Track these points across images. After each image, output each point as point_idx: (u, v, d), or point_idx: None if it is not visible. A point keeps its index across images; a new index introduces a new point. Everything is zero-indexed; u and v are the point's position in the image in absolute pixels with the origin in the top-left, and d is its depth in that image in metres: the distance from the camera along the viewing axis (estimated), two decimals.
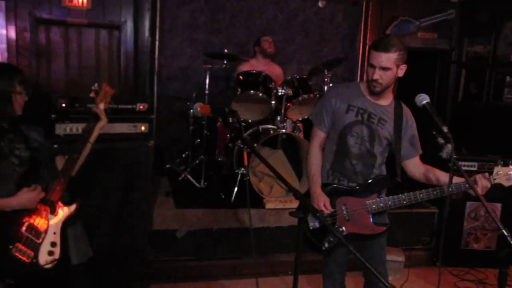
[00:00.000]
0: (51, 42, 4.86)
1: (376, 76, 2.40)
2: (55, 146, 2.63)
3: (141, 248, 3.56)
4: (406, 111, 2.59)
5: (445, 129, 2.13)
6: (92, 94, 2.51)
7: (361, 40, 5.83)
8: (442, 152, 2.17)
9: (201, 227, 3.96)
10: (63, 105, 3.04)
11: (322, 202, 2.52)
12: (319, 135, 2.68)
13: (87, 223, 2.80)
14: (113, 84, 4.93)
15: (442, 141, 2.15)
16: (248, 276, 3.93)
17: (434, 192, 2.41)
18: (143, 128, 3.36)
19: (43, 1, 4.63)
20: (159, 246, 3.85)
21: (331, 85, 4.91)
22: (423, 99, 2.25)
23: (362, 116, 2.55)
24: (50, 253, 2.24)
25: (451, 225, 4.33)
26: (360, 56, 5.86)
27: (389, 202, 2.51)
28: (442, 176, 2.47)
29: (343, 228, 2.53)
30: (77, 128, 3.06)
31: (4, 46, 4.63)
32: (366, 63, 5.54)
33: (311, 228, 2.55)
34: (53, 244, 2.26)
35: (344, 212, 2.55)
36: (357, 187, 2.57)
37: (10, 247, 2.13)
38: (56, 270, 2.28)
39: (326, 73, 4.87)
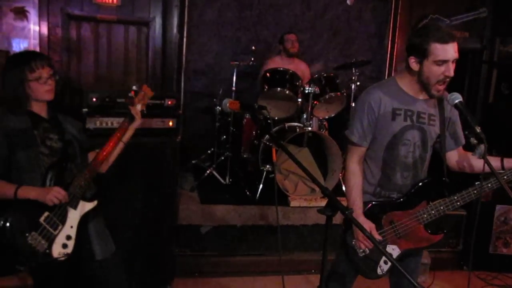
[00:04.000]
0: (81, 38, 4.94)
1: (452, 72, 2.11)
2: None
3: (166, 243, 3.60)
4: (446, 96, 2.28)
5: (478, 129, 2.04)
6: (131, 94, 2.54)
7: (390, 38, 5.74)
8: (475, 153, 2.09)
9: (225, 223, 3.97)
10: (94, 99, 3.09)
11: (363, 239, 2.24)
12: (358, 150, 2.34)
13: (113, 217, 2.84)
14: (141, 80, 5.03)
15: (475, 141, 2.06)
16: (271, 274, 3.93)
17: (489, 185, 2.19)
18: (170, 123, 3.39)
19: None
20: (184, 241, 3.88)
21: (358, 83, 4.85)
22: (456, 98, 2.12)
23: (411, 118, 2.24)
24: (64, 246, 2.24)
25: (480, 229, 4.24)
26: (388, 55, 5.76)
27: (441, 207, 2.26)
28: (493, 161, 2.21)
29: (395, 247, 2.31)
30: (107, 122, 3.12)
31: (36, 42, 4.73)
32: (395, 61, 5.60)
33: (361, 255, 2.30)
34: (68, 237, 2.26)
35: (394, 229, 2.31)
36: (403, 199, 2.32)
37: (27, 234, 2.13)
38: (76, 265, 2.30)
39: (354, 71, 4.82)
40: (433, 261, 4.15)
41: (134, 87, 2.56)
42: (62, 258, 2.22)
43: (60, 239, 2.23)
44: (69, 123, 2.44)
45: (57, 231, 2.22)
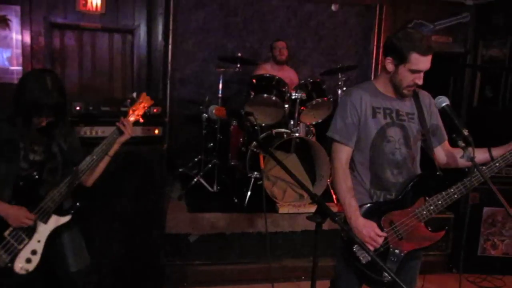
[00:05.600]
0: (65, 46, 4.90)
1: (422, 81, 2.18)
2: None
3: (154, 252, 3.56)
4: (423, 95, 2.36)
5: (465, 132, 2.04)
6: (128, 102, 2.46)
7: (375, 43, 5.78)
8: (463, 156, 2.08)
9: (214, 231, 3.93)
10: (77, 108, 3.04)
11: (370, 233, 2.19)
12: (346, 151, 2.30)
13: (100, 227, 2.81)
14: (126, 88, 4.97)
15: (463, 144, 2.06)
16: (262, 282, 3.89)
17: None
18: (156, 131, 3.35)
19: (57, 6, 4.67)
20: (172, 250, 3.83)
21: (344, 88, 4.87)
22: (443, 101, 2.14)
23: (390, 116, 2.27)
24: (28, 260, 2.18)
25: (468, 231, 4.25)
26: (374, 60, 5.81)
27: (440, 202, 2.22)
28: (481, 153, 2.24)
29: (399, 250, 2.24)
30: (91, 131, 3.07)
31: (19, 51, 4.67)
32: (380, 66, 5.63)
33: (364, 262, 2.23)
34: (33, 252, 2.21)
35: (394, 231, 2.25)
36: (400, 197, 2.27)
37: None
38: (41, 278, 2.25)
39: (340, 76, 4.83)
40: (422, 265, 4.11)
41: (133, 94, 2.48)
42: (24, 272, 2.17)
43: (24, 254, 2.18)
44: (62, 135, 2.32)
45: (21, 245, 2.18)
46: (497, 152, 2.26)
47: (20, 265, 2.16)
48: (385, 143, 2.26)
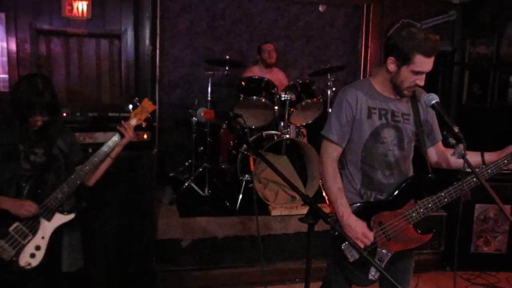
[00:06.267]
0: (51, 52, 4.84)
1: (423, 82, 2.13)
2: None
3: (146, 258, 3.52)
4: (420, 94, 2.29)
5: (456, 128, 2.02)
6: (129, 107, 2.50)
7: (363, 43, 5.79)
8: (454, 153, 2.07)
9: (206, 235, 3.89)
10: (64, 114, 3.00)
11: (360, 232, 2.17)
12: (336, 150, 2.28)
13: (89, 233, 2.76)
14: (114, 93, 4.93)
15: (453, 141, 2.04)
16: (255, 285, 3.86)
17: (474, 180, 2.14)
18: (145, 136, 3.32)
19: (43, 12, 4.61)
20: (164, 256, 3.78)
21: (334, 89, 4.87)
22: (432, 98, 2.12)
23: (386, 117, 2.23)
24: (32, 255, 2.27)
25: (460, 229, 4.23)
26: (362, 60, 5.80)
27: (430, 205, 2.20)
28: (474, 156, 2.23)
29: (386, 250, 2.24)
30: (78, 137, 3.01)
31: (5, 59, 4.60)
32: (369, 66, 5.64)
33: (351, 260, 2.23)
34: (37, 248, 2.29)
35: (383, 231, 2.24)
36: (390, 198, 2.26)
37: None
38: (43, 274, 2.32)
39: (329, 77, 4.83)
40: (416, 264, 4.09)
41: (135, 100, 2.52)
42: (28, 267, 2.26)
43: (28, 249, 2.26)
44: (61, 136, 2.42)
45: (26, 241, 2.26)
46: (490, 157, 2.25)
47: (24, 260, 2.25)
48: (378, 144, 2.23)
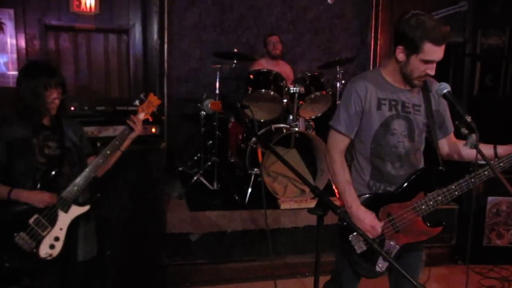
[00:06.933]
0: (60, 48, 4.85)
1: (434, 72, 2.08)
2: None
3: (155, 252, 3.52)
4: (431, 84, 2.23)
5: (468, 118, 1.98)
6: (136, 102, 2.60)
7: (372, 35, 5.73)
8: (466, 143, 2.01)
9: (215, 229, 3.88)
10: (72, 108, 3.00)
11: (371, 222, 2.15)
12: (344, 141, 2.26)
13: (99, 227, 2.76)
14: (122, 88, 4.94)
15: (466, 131, 1.99)
16: (265, 279, 3.85)
17: (486, 173, 2.09)
18: (153, 130, 3.32)
19: (51, 8, 4.62)
20: (173, 250, 3.78)
21: (343, 82, 4.82)
22: (444, 88, 2.07)
23: (396, 108, 2.19)
24: (52, 246, 2.33)
25: (473, 222, 4.20)
26: (372, 52, 5.76)
27: (439, 198, 2.16)
28: (486, 149, 2.17)
29: (394, 242, 2.21)
30: (86, 131, 3.02)
31: (15, 56, 4.63)
32: (378, 58, 5.58)
33: (358, 252, 2.21)
34: (56, 239, 2.35)
35: (392, 223, 2.21)
36: (399, 190, 2.22)
37: (14, 234, 2.25)
38: (60, 264, 2.38)
39: (338, 69, 4.78)
40: (427, 257, 4.05)
41: (141, 95, 2.62)
42: (49, 258, 2.32)
43: (48, 240, 2.32)
44: (71, 129, 2.50)
45: (45, 232, 2.32)
46: (503, 150, 2.20)
47: (44, 251, 2.31)
48: (388, 135, 2.19)
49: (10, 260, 2.25)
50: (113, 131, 3.09)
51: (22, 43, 4.62)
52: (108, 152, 2.47)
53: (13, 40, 4.60)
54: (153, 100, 2.62)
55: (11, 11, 4.57)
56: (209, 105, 1.99)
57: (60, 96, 2.37)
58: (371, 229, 2.16)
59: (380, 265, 2.23)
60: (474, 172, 2.10)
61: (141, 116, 2.57)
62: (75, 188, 2.38)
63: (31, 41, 4.65)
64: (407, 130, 2.21)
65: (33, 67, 2.40)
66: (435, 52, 2.04)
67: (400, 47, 2.12)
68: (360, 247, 2.22)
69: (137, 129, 2.54)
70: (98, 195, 2.54)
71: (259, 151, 2.06)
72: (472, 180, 2.10)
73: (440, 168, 2.22)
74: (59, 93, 2.36)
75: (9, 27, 4.58)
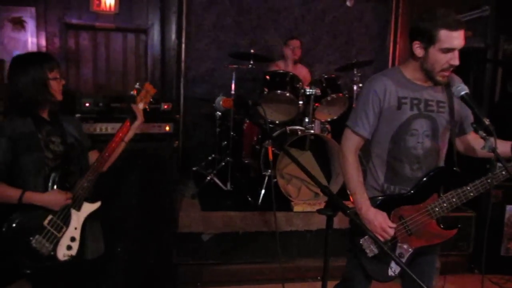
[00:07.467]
0: (79, 47, 4.91)
1: (458, 61, 1.99)
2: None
3: (166, 251, 3.51)
4: (453, 79, 2.14)
5: (486, 121, 1.92)
6: (133, 92, 2.53)
7: (392, 39, 5.68)
8: (484, 146, 1.95)
9: (227, 230, 3.86)
10: (87, 105, 3.02)
11: (381, 224, 2.09)
12: (359, 141, 2.20)
13: (111, 225, 2.75)
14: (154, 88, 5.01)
15: (484, 134, 1.93)
16: (276, 281, 3.81)
17: (503, 173, 2.03)
18: (167, 128, 3.31)
19: (72, 7, 4.69)
20: (185, 249, 3.77)
21: (360, 85, 4.77)
22: (462, 89, 2.00)
23: (418, 107, 2.11)
24: (69, 247, 2.26)
25: (490, 230, 4.08)
26: (391, 55, 5.69)
27: (454, 199, 2.09)
28: (503, 146, 2.09)
29: (407, 246, 2.16)
30: (101, 128, 3.04)
31: None
32: (397, 62, 5.51)
33: (370, 255, 2.16)
34: (72, 239, 2.29)
35: (404, 226, 2.16)
36: (412, 192, 2.16)
37: (31, 238, 2.15)
38: (72, 264, 2.30)
39: (355, 72, 4.73)
40: (443, 265, 4.00)
41: (136, 85, 2.55)
42: (67, 259, 2.25)
43: (64, 241, 2.25)
44: (70, 124, 2.44)
45: (61, 234, 2.25)
46: None
47: (62, 253, 2.24)
48: (407, 136, 2.12)
49: (30, 266, 2.17)
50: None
51: (43, 41, 4.69)
52: (113, 144, 2.42)
53: (33, 39, 4.66)
54: (150, 89, 2.55)
55: (33, 9, 4.64)
56: (221, 102, 1.99)
57: (61, 76, 2.33)
58: (381, 231, 2.10)
59: (393, 269, 2.18)
60: (491, 170, 2.02)
61: (141, 106, 2.50)
62: (86, 184, 2.32)
63: (51, 39, 4.71)
64: (430, 129, 2.13)
65: (26, 58, 2.32)
66: (452, 38, 1.97)
67: (417, 42, 2.07)
68: (371, 250, 2.17)
69: (141, 117, 2.48)
70: (105, 191, 2.48)
71: (270, 149, 2.03)
72: (488, 180, 2.03)
73: (454, 168, 2.15)
74: (60, 72, 2.32)
75: (31, 25, 4.65)
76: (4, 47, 4.57)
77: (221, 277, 3.84)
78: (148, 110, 2.55)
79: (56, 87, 2.29)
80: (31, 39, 4.67)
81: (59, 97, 2.33)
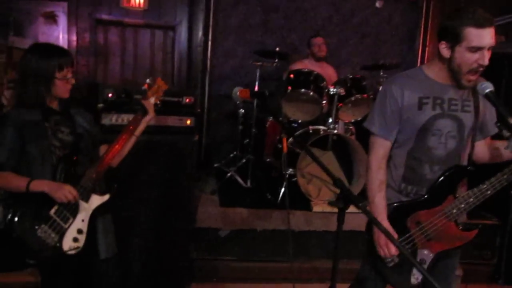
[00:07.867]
0: (108, 42, 5.01)
1: (487, 61, 1.91)
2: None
3: (183, 246, 3.51)
4: (478, 79, 2.06)
5: (511, 120, 1.84)
6: (145, 87, 2.51)
7: (421, 41, 5.57)
8: (508, 146, 1.88)
9: (245, 227, 3.85)
10: (110, 95, 3.06)
11: (383, 244, 2.06)
12: (382, 145, 2.14)
13: (128, 218, 2.77)
14: (166, 83, 5.06)
15: (508, 133, 1.86)
16: (291, 281, 3.77)
17: None
18: (188, 122, 3.32)
19: (102, 3, 4.79)
20: (202, 245, 3.78)
21: None
22: (486, 87, 1.93)
23: (441, 106, 2.04)
24: (75, 239, 2.21)
25: None
26: (419, 59, 5.58)
27: (471, 199, 2.03)
28: None
29: (427, 251, 2.12)
30: (122, 119, 3.08)
31: (65, 46, 4.81)
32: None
33: (390, 265, 2.11)
34: (79, 231, 2.23)
35: (422, 231, 2.11)
36: (426, 196, 2.11)
37: (36, 227, 2.12)
38: (81, 260, 2.26)
39: (381, 73, 4.66)
40: (465, 273, 3.89)
41: (148, 80, 2.53)
42: (73, 252, 2.19)
43: (70, 233, 2.20)
44: (80, 116, 2.40)
45: (67, 224, 2.19)
46: None
47: (68, 244, 2.19)
48: (429, 137, 2.07)
49: (34, 256, 2.12)
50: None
51: (73, 36, 4.81)
52: (123, 136, 2.38)
53: (65, 34, 4.78)
54: (161, 84, 2.53)
55: (65, 5, 4.76)
56: (238, 92, 1.98)
57: (73, 76, 2.29)
58: (383, 247, 2.07)
59: (415, 275, 2.12)
60: (508, 169, 1.96)
61: (152, 100, 2.47)
62: (94, 175, 2.27)
63: (82, 34, 4.83)
64: (455, 129, 2.07)
65: (41, 49, 2.28)
66: (479, 36, 1.88)
67: (443, 42, 2.00)
68: (392, 260, 2.11)
69: (152, 112, 2.45)
70: (116, 185, 2.40)
71: (284, 140, 2.01)
72: (505, 176, 1.96)
73: (468, 167, 2.09)
74: (72, 72, 2.28)
75: (62, 20, 4.77)
76: (36, 40, 4.68)
77: (237, 274, 3.82)
78: (159, 105, 2.53)
79: (62, 86, 2.25)
80: (62, 35, 4.79)
81: (64, 95, 2.29)
